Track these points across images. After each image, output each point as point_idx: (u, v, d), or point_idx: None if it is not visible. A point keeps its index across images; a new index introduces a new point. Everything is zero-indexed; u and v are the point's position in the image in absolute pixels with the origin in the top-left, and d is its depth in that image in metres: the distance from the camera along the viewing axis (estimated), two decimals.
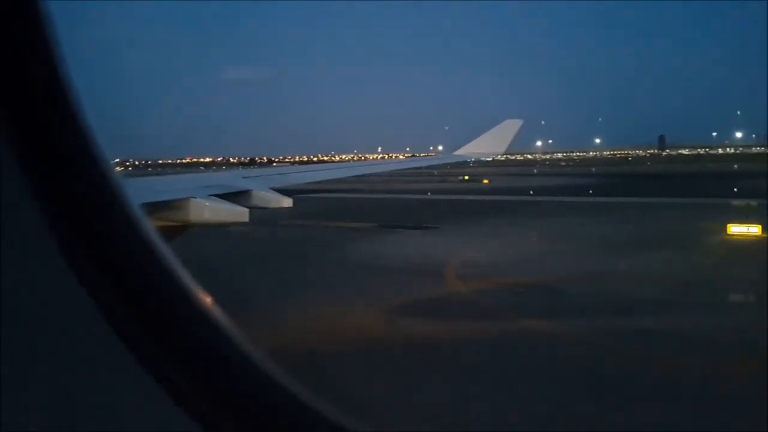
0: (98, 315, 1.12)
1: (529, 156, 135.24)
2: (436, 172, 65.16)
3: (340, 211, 35.43)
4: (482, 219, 30.67)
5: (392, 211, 36.29)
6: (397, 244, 23.12)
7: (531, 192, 47.03)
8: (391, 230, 27.27)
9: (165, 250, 1.23)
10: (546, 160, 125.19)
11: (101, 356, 1.13)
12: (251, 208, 8.36)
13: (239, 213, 7.90)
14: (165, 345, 1.18)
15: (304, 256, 21.07)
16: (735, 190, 39.21)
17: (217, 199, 7.97)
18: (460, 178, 65.95)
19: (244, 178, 10.28)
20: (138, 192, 7.20)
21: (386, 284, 16.36)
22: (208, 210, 7.66)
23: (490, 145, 18.36)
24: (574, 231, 25.54)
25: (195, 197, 7.61)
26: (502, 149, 18.79)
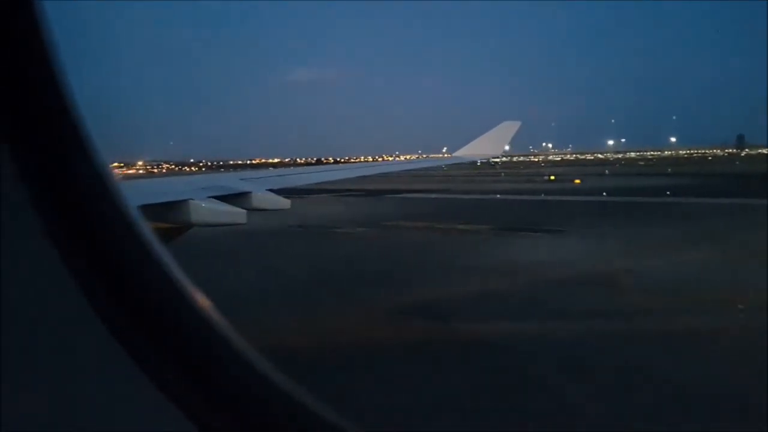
0: (95, 316, 1.14)
1: (600, 155, 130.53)
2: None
3: (438, 213, 33.59)
4: (603, 221, 27.61)
5: (495, 212, 33.86)
6: (536, 249, 20.93)
7: (634, 193, 43.69)
8: (513, 233, 25.05)
9: (162, 252, 1.24)
10: (621, 159, 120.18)
11: (99, 357, 1.15)
12: (250, 209, 8.46)
13: (237, 214, 8.03)
14: (162, 346, 1.18)
15: (456, 261, 19.48)
16: None
17: (216, 200, 8.07)
18: (546, 177, 63.21)
19: (241, 180, 10.36)
20: (136, 194, 7.25)
21: (583, 297, 14.35)
22: (206, 212, 7.76)
23: (488, 146, 18.14)
24: (719, 235, 22.82)
25: (193, 199, 7.71)
26: (500, 151, 18.74)
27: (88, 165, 1.18)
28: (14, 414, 1.10)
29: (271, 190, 9.49)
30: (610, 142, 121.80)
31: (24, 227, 1.13)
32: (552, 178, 62.74)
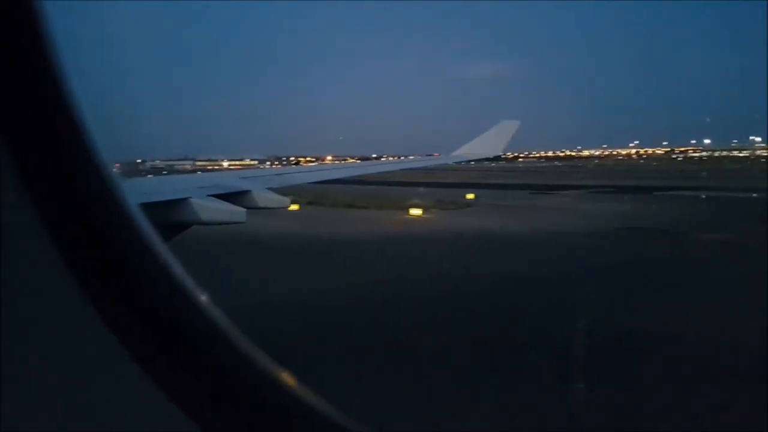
0: (96, 315, 1.13)
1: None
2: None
3: (721, 214, 28.22)
4: None
5: None
6: None
7: None
8: None
9: (163, 250, 1.23)
10: None
11: (100, 356, 1.14)
12: (250, 208, 8.58)
13: (237, 213, 8.13)
14: (164, 344, 1.17)
15: None
16: None
17: (215, 199, 8.15)
18: None
19: (241, 178, 10.43)
20: (137, 193, 7.08)
21: None
22: (206, 210, 7.80)
23: (487, 146, 17.92)
24: None
25: (192, 198, 7.76)
26: (500, 150, 18.53)
27: (89, 164, 1.17)
28: (14, 414, 1.08)
29: (270, 188, 9.62)
30: None
31: (25, 227, 1.12)
32: None
